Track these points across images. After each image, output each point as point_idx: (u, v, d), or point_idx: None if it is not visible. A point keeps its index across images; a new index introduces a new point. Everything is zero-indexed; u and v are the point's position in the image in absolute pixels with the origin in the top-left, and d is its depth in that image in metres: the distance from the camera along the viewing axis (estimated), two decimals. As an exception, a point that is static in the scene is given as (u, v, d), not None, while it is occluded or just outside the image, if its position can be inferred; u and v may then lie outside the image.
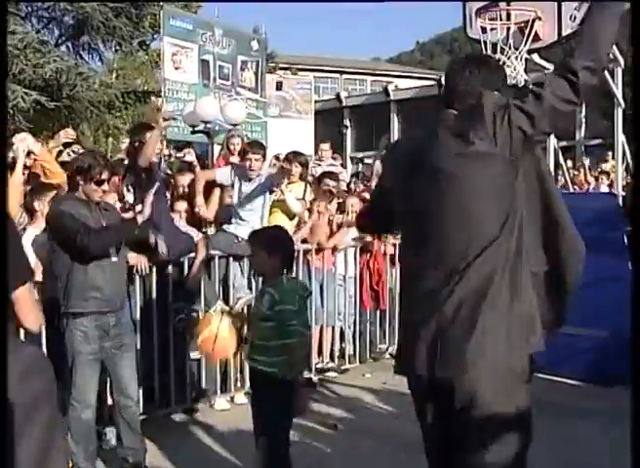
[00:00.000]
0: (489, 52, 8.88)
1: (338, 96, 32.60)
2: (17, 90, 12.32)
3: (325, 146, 10.81)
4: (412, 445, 5.41)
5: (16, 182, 5.46)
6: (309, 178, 8.43)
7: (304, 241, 7.28)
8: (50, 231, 4.79)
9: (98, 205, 4.84)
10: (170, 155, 8.01)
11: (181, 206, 6.93)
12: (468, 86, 3.06)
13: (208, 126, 8.61)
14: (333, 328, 7.60)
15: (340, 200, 8.19)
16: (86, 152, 5.44)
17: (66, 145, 7.12)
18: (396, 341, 7.93)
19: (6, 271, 1.28)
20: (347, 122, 30.01)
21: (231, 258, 6.62)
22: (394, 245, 7.93)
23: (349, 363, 7.70)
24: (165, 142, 9.23)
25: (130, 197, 6.17)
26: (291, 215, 7.25)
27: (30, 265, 3.11)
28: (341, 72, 44.60)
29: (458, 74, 3.13)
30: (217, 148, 8.95)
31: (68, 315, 4.70)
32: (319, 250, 7.34)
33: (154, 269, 5.92)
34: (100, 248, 4.67)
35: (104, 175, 4.74)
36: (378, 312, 8.03)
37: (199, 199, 7.01)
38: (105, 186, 4.80)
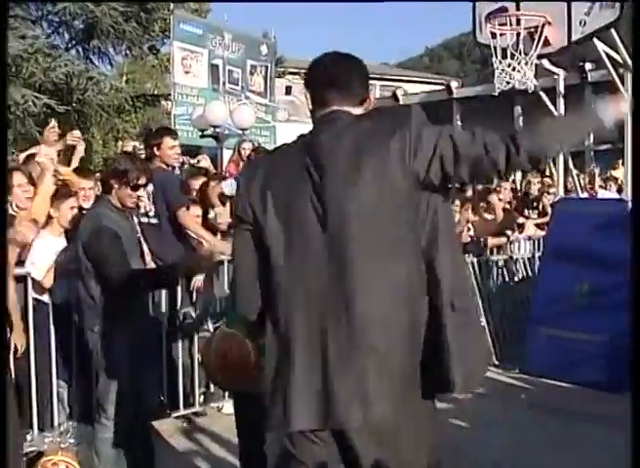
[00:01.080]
0: (499, 57, 8.89)
1: (346, 100, 32.48)
2: (27, 94, 12.36)
3: None
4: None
5: (45, 192, 5.41)
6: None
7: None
8: (87, 249, 4.34)
9: (130, 211, 4.67)
10: (183, 162, 8.00)
11: (195, 211, 6.87)
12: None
13: (217, 130, 8.64)
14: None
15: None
16: (124, 155, 5.20)
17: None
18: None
19: (6, 271, 1.28)
20: (356, 126, 30.02)
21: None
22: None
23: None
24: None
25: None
26: None
27: None
28: (350, 77, 44.56)
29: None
30: (226, 152, 8.96)
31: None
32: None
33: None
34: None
35: (142, 180, 4.47)
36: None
37: (219, 209, 6.96)
38: (141, 192, 4.57)
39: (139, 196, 4.56)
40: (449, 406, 6.53)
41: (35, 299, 5.29)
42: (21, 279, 5.16)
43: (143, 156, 6.47)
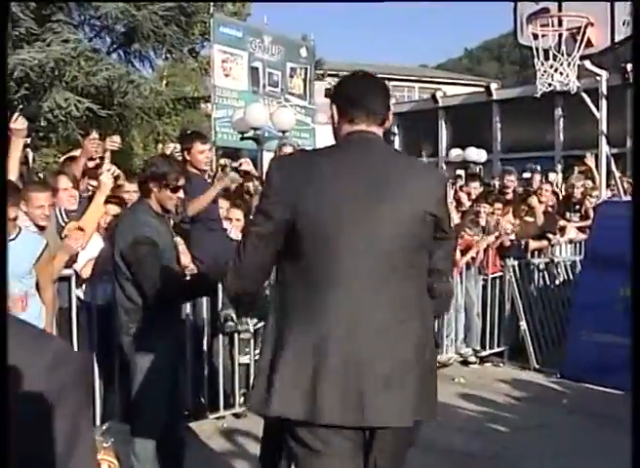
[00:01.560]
0: (540, 58, 8.81)
1: (385, 102, 32.44)
2: (69, 97, 12.47)
3: None
4: (456, 456, 5.41)
5: (97, 209, 5.48)
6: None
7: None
8: (125, 257, 4.28)
9: (169, 214, 4.65)
10: (225, 165, 8.00)
11: (235, 214, 6.86)
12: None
13: (257, 132, 8.65)
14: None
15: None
16: (160, 158, 5.20)
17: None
18: (445, 349, 7.94)
19: (6, 271, 1.29)
20: (395, 129, 29.88)
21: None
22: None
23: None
24: (215, 150, 9.30)
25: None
26: None
27: None
28: (389, 79, 44.50)
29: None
30: (266, 155, 8.98)
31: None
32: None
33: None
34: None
35: (180, 182, 4.45)
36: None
37: None
38: (181, 193, 4.52)
39: (179, 197, 4.54)
40: (488, 410, 6.50)
41: (78, 299, 5.35)
42: (65, 278, 5.22)
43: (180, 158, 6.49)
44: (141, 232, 4.24)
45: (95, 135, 6.82)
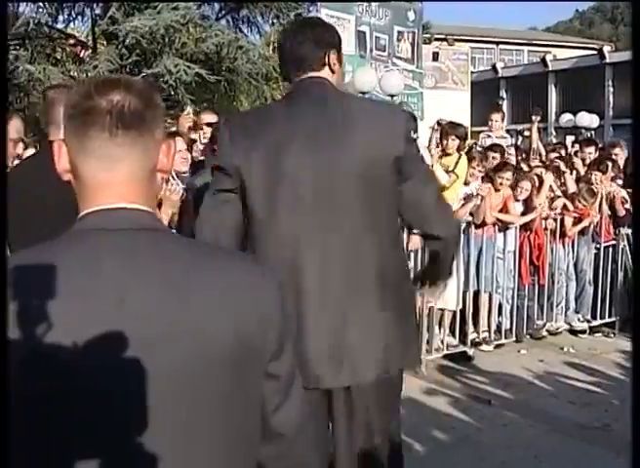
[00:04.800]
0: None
1: (494, 67, 31.91)
2: (179, 63, 12.67)
3: (496, 117, 10.13)
4: (566, 426, 5.34)
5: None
6: (479, 149, 8.18)
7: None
8: None
9: None
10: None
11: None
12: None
13: (365, 96, 8.60)
14: (490, 296, 7.41)
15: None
16: None
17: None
18: (555, 318, 7.81)
19: (5, 271, 1.29)
20: (504, 93, 29.31)
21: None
22: (555, 219, 7.72)
23: (505, 338, 7.53)
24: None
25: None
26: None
27: None
28: (498, 43, 43.61)
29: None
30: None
31: None
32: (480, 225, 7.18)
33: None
34: None
35: None
36: (536, 287, 7.80)
37: None
38: None
39: None
40: (598, 380, 6.37)
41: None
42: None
43: None
44: None
45: (189, 109, 6.95)
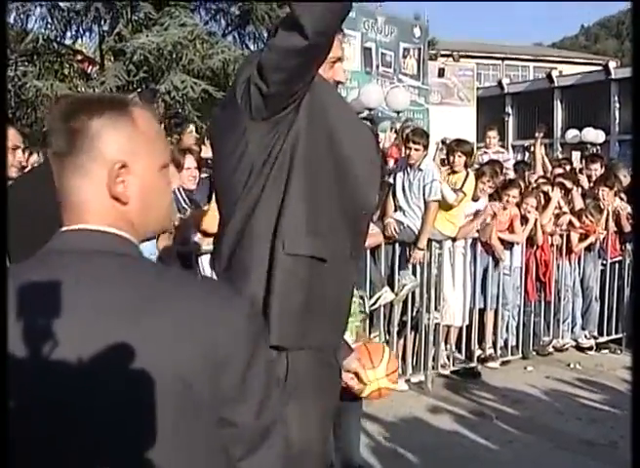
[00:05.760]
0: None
1: (499, 82, 31.99)
2: (186, 80, 12.76)
3: (492, 134, 10.35)
4: (573, 443, 5.32)
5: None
6: (476, 166, 8.21)
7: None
8: None
9: None
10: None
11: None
12: None
13: (372, 113, 8.64)
14: (496, 313, 7.41)
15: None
16: None
17: None
18: (561, 334, 7.80)
19: (5, 272, 1.30)
20: (509, 109, 29.34)
21: (397, 245, 6.60)
22: (561, 236, 7.72)
23: (511, 354, 7.52)
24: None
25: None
26: (445, 207, 6.86)
27: None
28: (503, 58, 43.69)
29: None
30: (380, 135, 8.96)
31: None
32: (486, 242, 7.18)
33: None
34: None
35: None
36: (542, 304, 7.79)
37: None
38: None
39: None
40: (605, 397, 6.35)
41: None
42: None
43: None
44: None
45: (192, 128, 6.95)
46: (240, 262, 2.42)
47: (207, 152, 6.35)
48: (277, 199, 2.36)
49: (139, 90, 5.88)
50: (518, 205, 7.35)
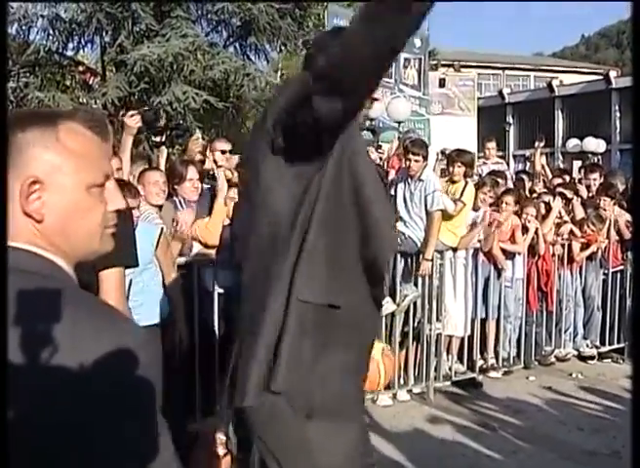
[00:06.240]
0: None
1: (500, 92, 32.05)
2: (187, 90, 12.78)
3: (491, 145, 10.45)
4: (575, 453, 5.31)
5: (222, 188, 5.65)
6: (475, 178, 8.22)
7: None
8: None
9: None
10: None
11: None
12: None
13: (373, 123, 8.65)
14: (497, 323, 7.41)
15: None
16: None
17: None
18: (563, 344, 7.78)
19: (6, 271, 1.29)
20: (510, 119, 29.36)
21: (399, 255, 6.60)
22: (563, 245, 7.73)
23: (513, 364, 7.52)
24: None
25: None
26: (446, 217, 6.86)
27: (136, 253, 3.09)
28: (504, 68, 43.77)
29: None
30: (383, 146, 8.96)
31: None
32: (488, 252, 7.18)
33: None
34: None
35: None
36: (544, 313, 7.78)
37: None
38: None
39: None
40: (607, 407, 6.34)
41: (204, 288, 5.46)
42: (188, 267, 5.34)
43: None
44: None
45: (198, 135, 6.93)
46: (258, 300, 2.40)
47: (209, 163, 6.37)
48: (297, 244, 2.34)
49: (142, 109, 5.89)
50: (519, 215, 7.36)
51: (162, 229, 4.79)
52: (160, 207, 5.31)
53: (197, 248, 5.57)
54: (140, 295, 4.28)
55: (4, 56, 2.06)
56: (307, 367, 2.36)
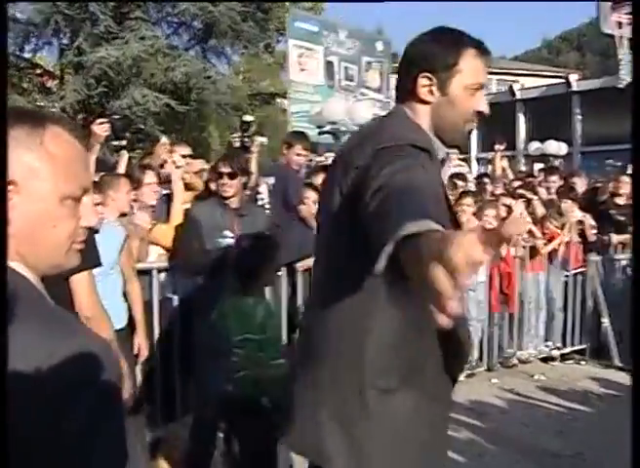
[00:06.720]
0: (624, 49, 8.58)
1: (462, 95, 32.16)
2: (147, 94, 12.67)
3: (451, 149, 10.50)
4: (539, 455, 5.29)
5: (179, 191, 5.61)
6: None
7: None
8: None
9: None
10: (310, 160, 7.93)
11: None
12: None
13: (335, 127, 8.60)
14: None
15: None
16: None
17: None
18: (525, 346, 7.79)
19: (5, 269, 1.24)
20: (472, 122, 29.52)
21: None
22: (524, 247, 7.73)
23: (476, 367, 7.49)
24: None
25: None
26: None
27: (98, 255, 3.07)
28: (465, 72, 44.03)
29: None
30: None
31: None
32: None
33: (284, 269, 5.91)
34: None
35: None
36: (506, 316, 7.77)
37: None
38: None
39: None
40: (570, 408, 6.35)
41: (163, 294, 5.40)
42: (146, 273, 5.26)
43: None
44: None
45: (165, 140, 6.87)
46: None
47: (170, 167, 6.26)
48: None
49: (112, 117, 5.81)
50: (478, 217, 7.33)
51: (126, 235, 4.73)
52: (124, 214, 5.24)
53: (155, 254, 5.49)
54: (104, 301, 4.19)
55: (4, 56, 1.98)
56: None
